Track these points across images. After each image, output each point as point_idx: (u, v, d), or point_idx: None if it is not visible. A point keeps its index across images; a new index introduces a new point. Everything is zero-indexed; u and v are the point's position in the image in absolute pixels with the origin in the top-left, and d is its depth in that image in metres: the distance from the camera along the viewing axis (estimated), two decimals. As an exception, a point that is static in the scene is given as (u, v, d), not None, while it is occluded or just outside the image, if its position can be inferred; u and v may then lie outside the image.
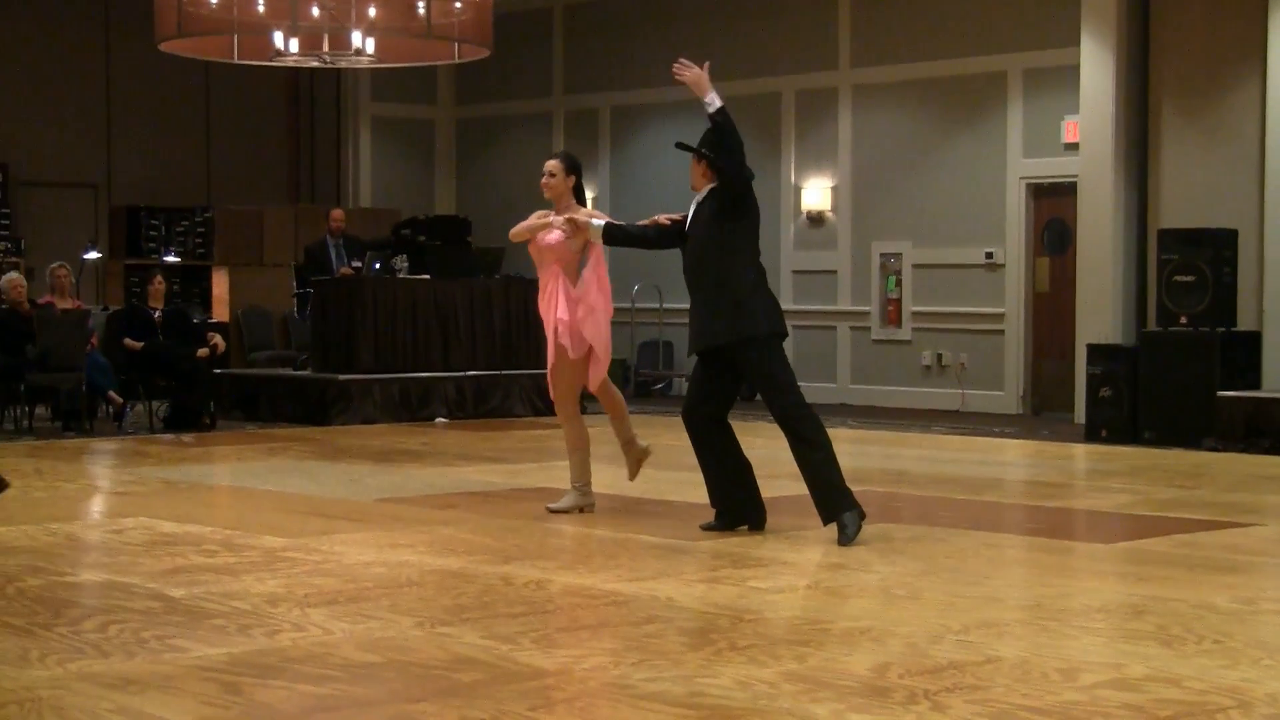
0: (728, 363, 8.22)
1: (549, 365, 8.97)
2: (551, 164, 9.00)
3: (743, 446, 8.37)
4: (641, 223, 8.71)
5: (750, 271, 8.17)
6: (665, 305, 19.19)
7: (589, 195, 19.72)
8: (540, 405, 16.17)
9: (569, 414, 9.00)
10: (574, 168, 9.02)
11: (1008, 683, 5.12)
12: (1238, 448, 13.32)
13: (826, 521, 8.12)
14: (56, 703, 4.86)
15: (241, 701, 4.91)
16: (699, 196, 8.31)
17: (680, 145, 8.36)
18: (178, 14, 15.51)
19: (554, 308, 8.83)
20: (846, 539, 7.97)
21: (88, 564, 7.66)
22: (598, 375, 8.96)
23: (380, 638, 5.79)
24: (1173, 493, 10.49)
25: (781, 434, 8.25)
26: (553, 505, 9.11)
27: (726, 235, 8.16)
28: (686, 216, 8.38)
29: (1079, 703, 4.88)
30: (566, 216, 8.76)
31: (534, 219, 8.95)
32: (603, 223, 8.70)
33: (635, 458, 9.19)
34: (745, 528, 8.32)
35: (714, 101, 8.09)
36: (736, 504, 8.34)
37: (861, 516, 8.08)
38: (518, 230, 8.97)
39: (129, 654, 5.52)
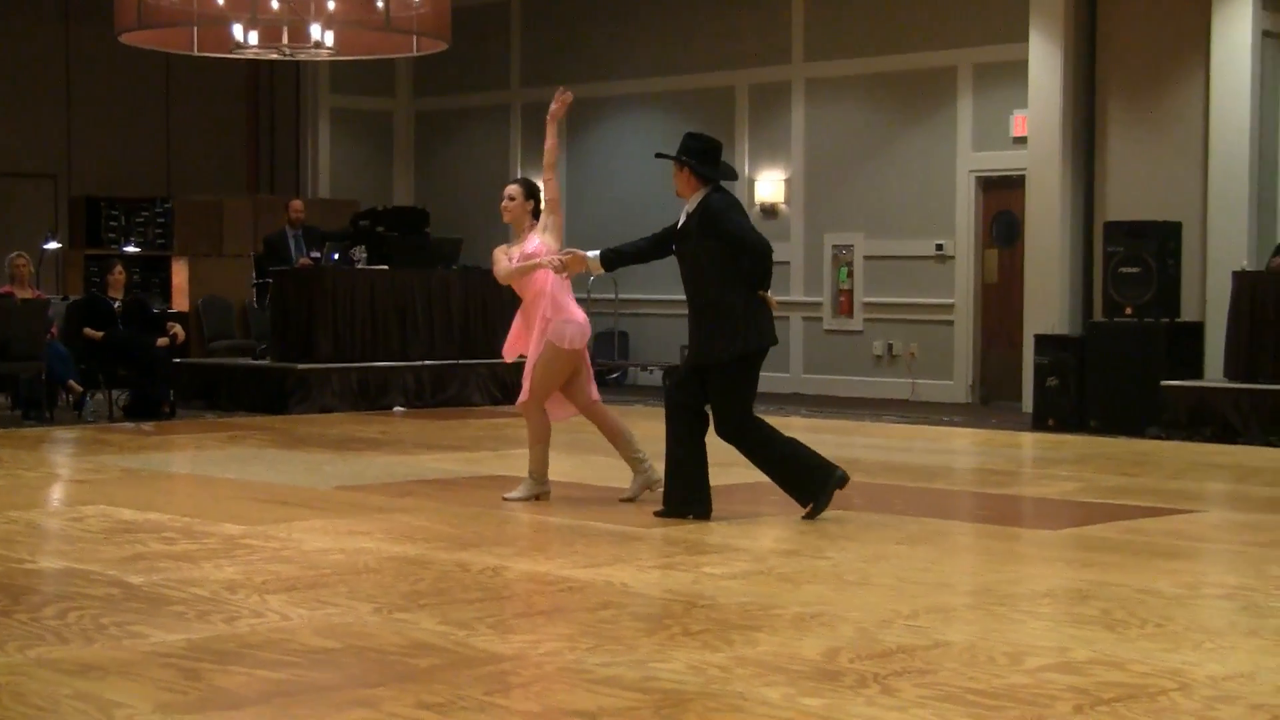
0: None
1: (532, 358, 8.90)
2: (511, 188, 9.12)
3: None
4: None
5: (741, 287, 8.18)
6: (620, 296, 19.25)
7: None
8: (498, 394, 16.25)
9: (534, 407, 9.04)
10: (532, 192, 9.13)
11: (956, 666, 5.18)
12: (1181, 436, 13.47)
13: (805, 504, 8.37)
14: (16, 689, 4.85)
15: (200, 687, 4.90)
16: (688, 206, 8.31)
17: (660, 155, 8.42)
18: (138, 5, 15.48)
19: (547, 302, 8.82)
20: (814, 513, 8.30)
21: (47, 551, 7.65)
22: (591, 387, 9.05)
23: (338, 624, 5.81)
24: (1118, 480, 10.61)
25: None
26: (508, 495, 9.15)
27: (716, 251, 8.17)
28: (678, 223, 8.37)
29: (1025, 685, 4.94)
30: (561, 256, 8.67)
31: (520, 260, 8.89)
32: (597, 254, 8.62)
33: (641, 482, 9.05)
34: (691, 516, 8.35)
35: None
36: (685, 492, 8.36)
37: (839, 484, 8.28)
38: (508, 273, 8.92)
39: (88, 640, 5.52)
